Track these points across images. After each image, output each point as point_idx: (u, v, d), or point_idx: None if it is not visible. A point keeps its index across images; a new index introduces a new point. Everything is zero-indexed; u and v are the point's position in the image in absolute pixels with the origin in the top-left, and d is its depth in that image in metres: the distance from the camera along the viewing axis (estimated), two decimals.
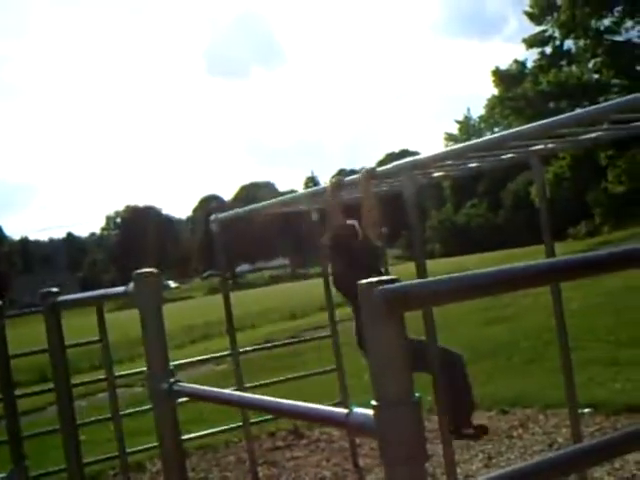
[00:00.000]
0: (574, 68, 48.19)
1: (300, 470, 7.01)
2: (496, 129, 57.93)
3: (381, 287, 1.25)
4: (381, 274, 4.55)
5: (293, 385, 8.08)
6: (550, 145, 5.05)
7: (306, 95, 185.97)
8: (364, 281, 1.28)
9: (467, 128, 77.91)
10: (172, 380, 2.22)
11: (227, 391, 2.46)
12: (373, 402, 1.28)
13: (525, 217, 47.08)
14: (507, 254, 37.62)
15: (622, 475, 5.44)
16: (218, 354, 8.98)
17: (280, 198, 7.61)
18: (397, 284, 1.27)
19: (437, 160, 4.75)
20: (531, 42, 49.38)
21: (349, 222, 5.26)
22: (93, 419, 7.07)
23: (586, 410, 6.84)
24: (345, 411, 1.42)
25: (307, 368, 8.52)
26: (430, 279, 1.36)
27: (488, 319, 14.67)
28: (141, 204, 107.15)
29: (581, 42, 46.07)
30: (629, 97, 3.37)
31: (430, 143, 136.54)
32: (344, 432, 6.28)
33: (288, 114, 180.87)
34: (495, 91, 54.16)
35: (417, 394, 1.28)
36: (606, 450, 1.47)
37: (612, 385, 7.66)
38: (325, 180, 6.07)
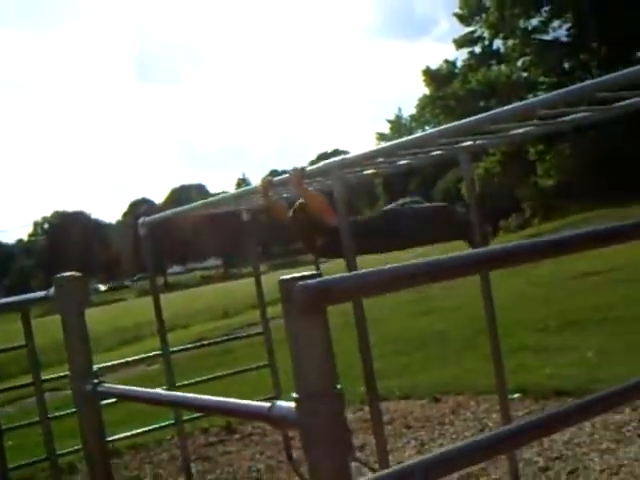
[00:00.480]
0: (503, 67, 49.16)
1: (234, 464, 6.95)
2: (427, 127, 58.60)
3: (302, 282, 1.23)
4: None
5: (227, 382, 8.01)
6: (479, 141, 5.10)
7: (237, 97, 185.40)
8: (286, 277, 1.26)
9: (398, 127, 78.50)
10: (96, 381, 2.20)
11: (153, 390, 2.43)
12: (294, 394, 1.29)
13: None
14: (440, 248, 37.91)
15: (551, 455, 5.53)
16: (148, 354, 8.82)
17: (209, 199, 7.56)
18: (318, 279, 1.25)
19: (367, 158, 4.72)
20: (461, 42, 50.35)
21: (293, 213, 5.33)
22: (21, 423, 6.89)
23: (516, 395, 6.95)
24: (267, 405, 1.42)
25: (240, 365, 8.43)
26: (352, 273, 1.34)
27: (419, 311, 14.84)
28: (70, 210, 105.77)
29: (510, 42, 47.07)
30: (554, 93, 3.41)
31: (362, 143, 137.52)
32: None
33: (219, 117, 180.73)
34: (426, 91, 54.94)
35: (339, 386, 1.28)
36: (533, 430, 1.47)
37: (541, 371, 7.79)
38: (257, 181, 6.11)
